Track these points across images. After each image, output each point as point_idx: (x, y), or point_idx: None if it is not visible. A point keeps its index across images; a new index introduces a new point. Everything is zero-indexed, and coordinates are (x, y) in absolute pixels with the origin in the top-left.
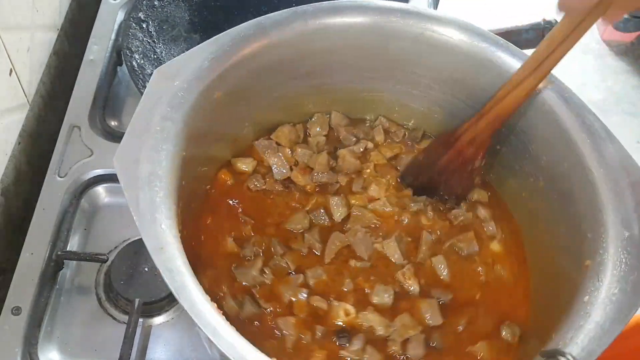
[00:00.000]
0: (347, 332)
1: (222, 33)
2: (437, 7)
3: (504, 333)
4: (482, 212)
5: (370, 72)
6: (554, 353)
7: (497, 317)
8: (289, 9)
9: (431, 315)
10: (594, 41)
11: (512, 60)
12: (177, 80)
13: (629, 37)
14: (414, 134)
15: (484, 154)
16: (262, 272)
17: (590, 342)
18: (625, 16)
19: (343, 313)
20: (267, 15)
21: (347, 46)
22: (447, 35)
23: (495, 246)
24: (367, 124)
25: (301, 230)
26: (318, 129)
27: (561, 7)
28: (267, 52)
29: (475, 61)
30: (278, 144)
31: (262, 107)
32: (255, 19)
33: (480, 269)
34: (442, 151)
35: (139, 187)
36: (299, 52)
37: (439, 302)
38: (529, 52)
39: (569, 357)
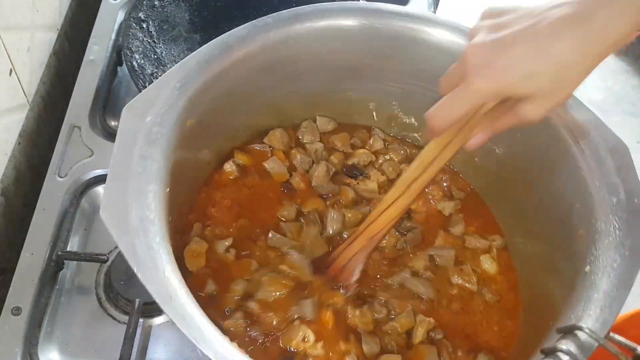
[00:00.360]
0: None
1: (187, 57)
2: (437, 8)
3: None
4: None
5: (337, 74)
6: (571, 329)
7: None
8: (248, 23)
9: None
10: None
11: None
12: (149, 116)
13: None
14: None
15: (358, 284)
16: (227, 249)
17: (602, 311)
18: None
19: (300, 337)
20: (229, 32)
21: (313, 51)
22: (434, 35)
23: (487, 264)
24: (364, 131)
25: (286, 220)
26: (310, 137)
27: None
28: (234, 69)
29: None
30: (272, 147)
31: (240, 122)
32: (218, 38)
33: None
34: (319, 273)
35: (133, 235)
36: (265, 64)
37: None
38: None
39: (586, 330)
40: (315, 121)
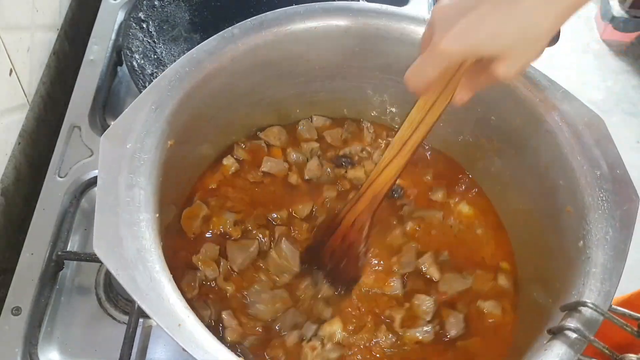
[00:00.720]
0: None
1: (158, 77)
2: None
3: (500, 280)
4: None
5: (308, 76)
6: (575, 305)
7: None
8: (216, 35)
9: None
10: (593, 41)
11: None
12: (129, 142)
13: (629, 37)
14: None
15: (367, 238)
16: (234, 223)
17: (603, 283)
18: (625, 16)
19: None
20: (197, 46)
21: (281, 56)
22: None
23: (464, 208)
24: (354, 124)
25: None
26: (308, 135)
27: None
28: (206, 84)
29: None
30: (268, 143)
31: (221, 136)
32: (186, 54)
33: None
34: (327, 236)
35: (132, 268)
36: (236, 75)
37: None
38: None
39: (590, 305)
40: (301, 124)
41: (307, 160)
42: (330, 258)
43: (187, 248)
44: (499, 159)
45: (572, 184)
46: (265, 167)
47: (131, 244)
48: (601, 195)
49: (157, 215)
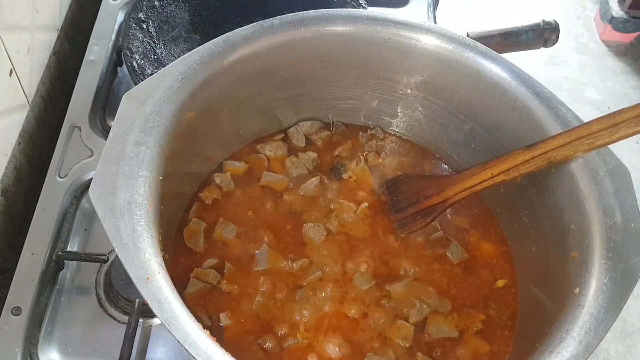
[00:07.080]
0: None
1: (191, 51)
2: (436, 9)
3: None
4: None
5: (341, 81)
6: None
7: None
8: (255, 23)
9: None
10: (592, 41)
11: (480, 60)
12: (148, 104)
13: (628, 37)
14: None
15: (437, 216)
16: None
17: (587, 334)
18: (624, 16)
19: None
20: (235, 30)
21: (316, 56)
22: (415, 39)
23: (485, 245)
24: (344, 128)
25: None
26: (302, 139)
27: None
28: (237, 67)
29: (444, 62)
30: (267, 157)
31: (238, 121)
32: (223, 35)
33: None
34: (430, 191)
35: (119, 217)
36: (269, 65)
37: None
38: (508, 54)
39: None
40: (307, 126)
41: (309, 172)
42: (410, 204)
43: (198, 263)
44: (520, 196)
45: (583, 229)
46: (264, 179)
47: (124, 195)
48: (609, 245)
49: (161, 178)
